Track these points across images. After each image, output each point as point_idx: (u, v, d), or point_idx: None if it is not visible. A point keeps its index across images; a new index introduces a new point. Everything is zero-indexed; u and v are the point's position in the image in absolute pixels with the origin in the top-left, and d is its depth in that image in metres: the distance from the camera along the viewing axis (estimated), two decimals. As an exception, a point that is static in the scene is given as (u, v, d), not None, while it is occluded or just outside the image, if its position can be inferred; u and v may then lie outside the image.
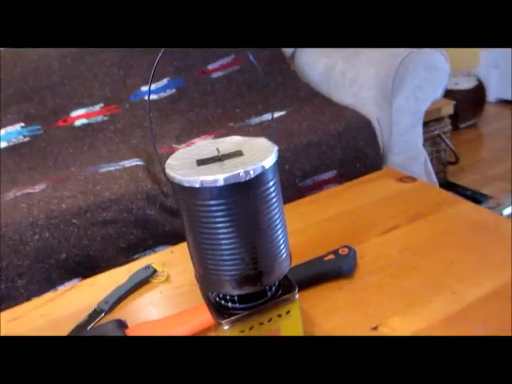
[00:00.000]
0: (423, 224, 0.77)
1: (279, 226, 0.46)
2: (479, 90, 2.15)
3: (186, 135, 1.38)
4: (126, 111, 1.48)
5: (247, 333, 0.49)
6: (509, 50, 2.32)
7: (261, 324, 0.49)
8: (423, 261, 0.69)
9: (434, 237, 0.74)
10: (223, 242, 0.43)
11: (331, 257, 0.69)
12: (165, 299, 0.74)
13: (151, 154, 1.30)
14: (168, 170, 0.44)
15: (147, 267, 0.78)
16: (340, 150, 1.24)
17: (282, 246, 0.47)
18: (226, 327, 0.47)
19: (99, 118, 1.45)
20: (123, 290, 0.74)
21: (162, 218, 1.12)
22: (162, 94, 1.52)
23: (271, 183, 0.44)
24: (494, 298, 0.58)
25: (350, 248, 0.70)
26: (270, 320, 0.49)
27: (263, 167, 0.42)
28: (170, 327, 0.61)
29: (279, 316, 0.50)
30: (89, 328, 0.68)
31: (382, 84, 1.25)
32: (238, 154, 0.45)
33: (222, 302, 0.49)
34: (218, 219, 0.42)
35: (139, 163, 1.22)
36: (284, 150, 1.20)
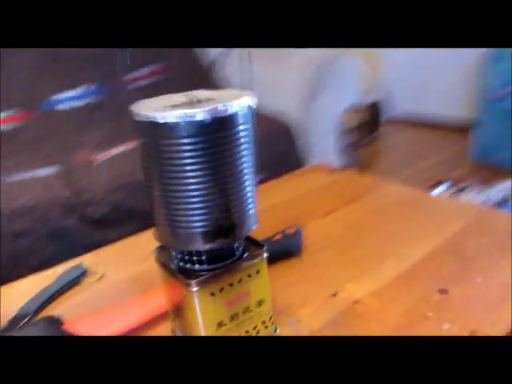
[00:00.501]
0: (360, 205, 0.81)
1: (251, 175, 0.44)
2: (378, 105, 2.38)
3: (108, 144, 1.30)
4: (36, 121, 1.36)
5: (217, 296, 0.45)
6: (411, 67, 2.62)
7: (231, 285, 0.46)
8: (366, 235, 0.72)
9: (371, 214, 0.77)
10: (196, 187, 0.40)
11: (279, 237, 0.69)
12: (101, 297, 0.66)
13: (68, 162, 1.20)
14: (137, 110, 0.40)
15: (77, 266, 0.70)
16: (262, 158, 1.26)
17: (252, 198, 0.45)
18: (194, 288, 0.44)
19: (5, 127, 1.31)
20: (50, 291, 0.66)
21: (82, 229, 1.03)
22: (77, 103, 1.43)
23: (247, 126, 0.42)
24: (437, 255, 0.62)
25: (296, 227, 0.70)
26: (240, 281, 0.47)
27: (240, 105, 0.40)
28: (117, 316, 0.55)
29: (249, 276, 0.47)
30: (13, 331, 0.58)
31: (302, 90, 1.32)
32: (211, 99, 0.42)
33: (188, 265, 0.46)
34: (193, 161, 0.39)
35: (54, 171, 1.12)
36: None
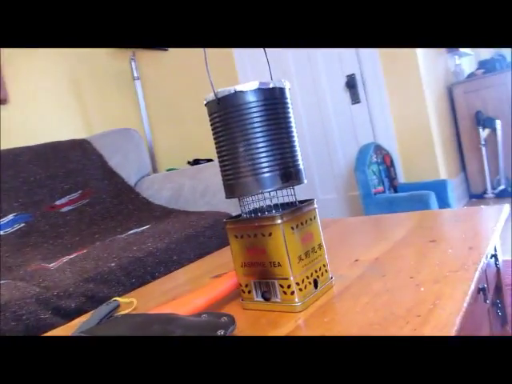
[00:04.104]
0: (333, 227, 0.97)
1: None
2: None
3: (52, 258, 1.28)
4: (-35, 249, 1.28)
5: (295, 230, 0.55)
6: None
7: (302, 224, 0.57)
8: (351, 238, 0.87)
9: (348, 230, 0.93)
10: (273, 139, 0.54)
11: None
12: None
13: (18, 274, 1.14)
14: (221, 89, 0.54)
15: (109, 302, 0.70)
16: (215, 239, 1.37)
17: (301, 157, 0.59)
18: (279, 221, 0.53)
19: None
20: (91, 324, 0.64)
21: (59, 322, 0.97)
22: (9, 230, 1.40)
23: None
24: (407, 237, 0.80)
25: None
26: (306, 222, 0.58)
27: (287, 85, 0.58)
28: (192, 299, 0.58)
29: (310, 220, 0.59)
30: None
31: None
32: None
33: (265, 213, 0.56)
34: (269, 117, 0.54)
35: (9, 280, 1.07)
36: (169, 243, 1.25)
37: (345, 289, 0.58)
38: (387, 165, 2.25)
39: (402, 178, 2.32)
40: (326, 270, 0.60)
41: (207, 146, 2.63)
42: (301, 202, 0.61)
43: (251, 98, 0.54)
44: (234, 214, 1.46)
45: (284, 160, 0.55)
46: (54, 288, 1.02)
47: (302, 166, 0.58)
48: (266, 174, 0.54)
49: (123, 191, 1.72)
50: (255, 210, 0.60)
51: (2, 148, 1.63)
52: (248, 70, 2.60)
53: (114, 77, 2.32)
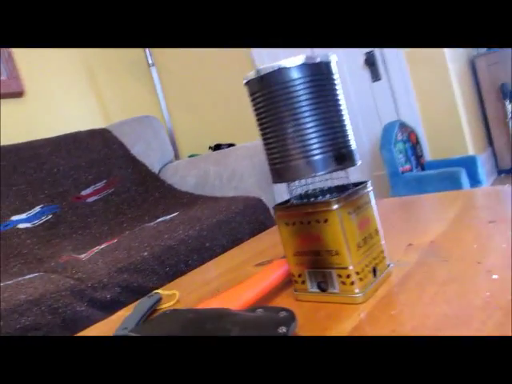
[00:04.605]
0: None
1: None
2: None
3: (82, 249, 1.27)
4: (-5, 243, 1.28)
5: (352, 215, 0.51)
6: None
7: (358, 208, 0.53)
8: (402, 218, 0.82)
9: (396, 209, 0.89)
10: (324, 118, 0.50)
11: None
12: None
13: (49, 267, 1.13)
14: (264, 66, 0.50)
15: (151, 295, 0.67)
16: (247, 225, 1.34)
17: (353, 138, 0.55)
18: (335, 206, 0.49)
19: (-39, 254, 1.21)
20: (134, 319, 0.62)
21: (95, 314, 0.96)
22: (37, 222, 1.39)
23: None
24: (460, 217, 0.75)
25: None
26: (362, 206, 0.53)
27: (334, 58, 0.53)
28: (242, 291, 0.55)
29: (366, 203, 0.54)
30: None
31: (261, 170, 1.47)
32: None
33: (319, 198, 0.52)
34: (323, 93, 0.50)
35: (42, 273, 1.05)
36: (200, 230, 1.23)
37: (405, 277, 0.54)
38: (413, 142, 2.18)
39: (428, 155, 2.25)
40: (384, 257, 0.56)
41: (228, 131, 2.59)
42: (354, 184, 0.57)
43: (297, 74, 0.49)
44: (263, 198, 1.42)
45: (336, 140, 0.51)
46: (88, 279, 1.00)
47: (354, 147, 0.54)
48: (318, 156, 0.50)
49: (148, 179, 1.70)
50: (306, 195, 0.56)
51: (22, 141, 1.62)
52: (263, 51, 2.53)
53: (128, 65, 2.28)
